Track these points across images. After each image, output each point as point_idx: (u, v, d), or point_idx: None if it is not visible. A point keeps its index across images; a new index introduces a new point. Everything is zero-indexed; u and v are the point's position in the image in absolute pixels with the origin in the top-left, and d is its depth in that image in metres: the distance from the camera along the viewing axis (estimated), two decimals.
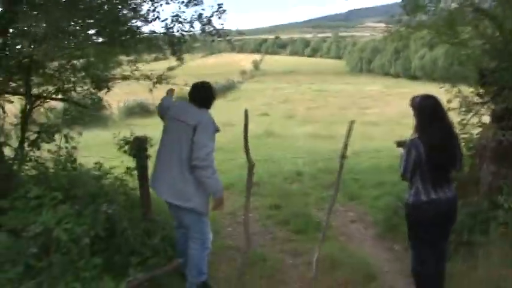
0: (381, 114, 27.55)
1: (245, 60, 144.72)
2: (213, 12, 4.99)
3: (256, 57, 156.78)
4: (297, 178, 8.85)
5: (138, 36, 4.85)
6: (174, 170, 3.88)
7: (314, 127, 19.61)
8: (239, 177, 8.83)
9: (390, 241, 5.52)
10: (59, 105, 6.06)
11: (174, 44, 5.17)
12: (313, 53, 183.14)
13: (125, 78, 5.35)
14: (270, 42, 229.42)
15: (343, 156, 4.40)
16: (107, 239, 3.85)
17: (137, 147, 4.50)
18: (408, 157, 3.66)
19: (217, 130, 4.06)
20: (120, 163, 5.01)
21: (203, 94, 4.19)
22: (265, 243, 5.62)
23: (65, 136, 4.75)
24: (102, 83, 5.04)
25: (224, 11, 5.01)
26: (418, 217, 3.71)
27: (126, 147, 4.54)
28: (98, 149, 9.42)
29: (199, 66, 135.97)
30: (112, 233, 3.90)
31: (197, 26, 5.09)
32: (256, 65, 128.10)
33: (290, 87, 60.59)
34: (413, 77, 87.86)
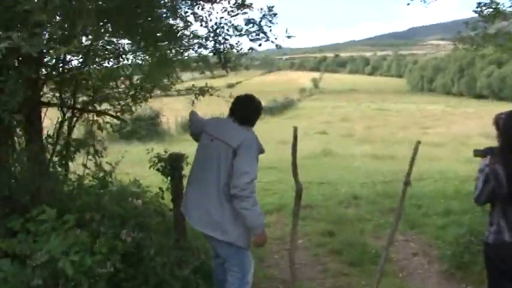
0: (445, 134, 26.20)
1: (304, 78, 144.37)
2: (263, 15, 4.42)
3: (315, 75, 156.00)
4: (353, 202, 8.22)
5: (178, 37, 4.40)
6: (211, 197, 3.40)
7: (373, 147, 18.78)
8: (291, 199, 8.30)
9: (460, 281, 4.80)
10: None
11: (221, 53, 4.68)
12: (373, 71, 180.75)
13: (165, 89, 4.95)
14: (329, 60, 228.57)
15: (407, 183, 3.77)
16: (134, 268, 3.44)
17: (172, 164, 4.06)
18: (484, 187, 3.00)
19: (261, 151, 3.54)
20: (158, 182, 4.61)
21: (247, 109, 3.67)
22: (314, 275, 5.04)
23: (96, 151, 4.41)
24: (140, 95, 4.67)
25: (275, 14, 4.45)
26: (499, 260, 3.06)
27: (160, 165, 4.11)
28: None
29: (257, 84, 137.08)
30: (139, 260, 3.48)
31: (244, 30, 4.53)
32: (315, 83, 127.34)
33: (349, 106, 59.58)
34: (479, 96, 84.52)
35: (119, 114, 4.61)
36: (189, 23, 4.46)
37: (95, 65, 4.41)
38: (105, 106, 4.83)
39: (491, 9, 5.65)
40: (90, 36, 3.69)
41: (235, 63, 4.85)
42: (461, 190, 8.60)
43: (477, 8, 5.78)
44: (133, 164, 9.58)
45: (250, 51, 4.81)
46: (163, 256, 3.48)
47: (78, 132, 4.98)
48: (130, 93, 4.61)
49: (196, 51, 4.83)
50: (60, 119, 4.48)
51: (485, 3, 5.82)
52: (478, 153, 3.18)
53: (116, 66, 4.64)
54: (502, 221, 3.00)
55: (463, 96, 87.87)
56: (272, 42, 4.59)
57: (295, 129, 3.56)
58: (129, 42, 4.51)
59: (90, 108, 4.55)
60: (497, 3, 5.69)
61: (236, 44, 4.71)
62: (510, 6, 5.02)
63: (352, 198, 8.40)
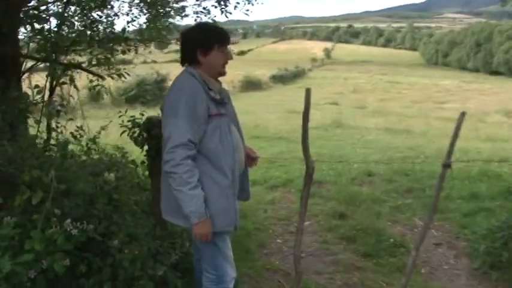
0: (460, 110, 25.02)
1: (316, 48, 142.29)
2: None
3: (328, 45, 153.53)
4: (367, 179, 7.45)
5: None
6: (163, 177, 2.63)
7: (387, 120, 17.88)
8: (300, 172, 7.61)
9: (496, 283, 4.03)
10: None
11: None
12: (387, 43, 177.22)
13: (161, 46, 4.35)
14: (342, 30, 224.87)
15: (446, 165, 2.99)
16: (99, 261, 2.73)
17: (149, 131, 3.23)
18: None
19: (211, 104, 2.58)
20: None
21: (182, 46, 2.72)
22: (322, 268, 4.27)
23: (57, 112, 3.66)
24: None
25: None
26: None
27: (133, 131, 3.29)
28: None
29: (269, 52, 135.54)
30: (106, 250, 2.77)
31: None
32: (327, 53, 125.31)
33: (361, 77, 58.29)
34: (495, 72, 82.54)
35: (95, 69, 3.85)
36: None
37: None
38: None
39: None
40: None
41: None
42: (486, 171, 7.81)
43: None
44: None
45: None
46: (133, 247, 2.75)
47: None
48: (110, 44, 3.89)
49: None
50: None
51: None
52: None
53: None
54: None
55: (478, 72, 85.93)
56: None
57: (308, 92, 2.77)
58: None
59: (61, 61, 3.79)
60: None
61: None
62: None
63: (366, 176, 7.64)
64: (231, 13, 5.20)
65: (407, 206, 6.14)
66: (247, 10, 5.31)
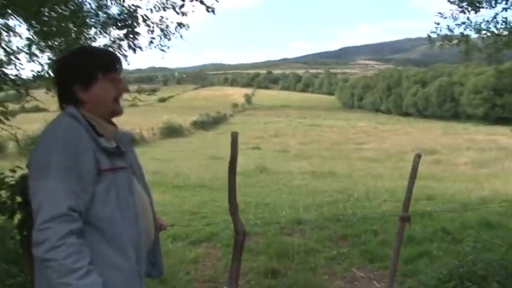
0: (379, 150, 25.84)
1: (237, 94, 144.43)
2: None
3: (248, 91, 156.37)
4: (297, 228, 6.91)
5: None
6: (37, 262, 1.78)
7: (310, 163, 17.77)
8: (225, 224, 6.99)
9: None
10: None
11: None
12: (305, 88, 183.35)
13: None
14: (262, 76, 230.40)
15: (404, 218, 2.50)
16: None
17: (24, 193, 2.38)
18: None
19: (102, 155, 1.79)
20: None
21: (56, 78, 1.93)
22: None
23: None
24: None
25: None
26: None
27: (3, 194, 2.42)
28: None
29: (190, 98, 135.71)
30: None
31: None
32: (248, 98, 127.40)
33: (282, 122, 59.27)
34: (405, 114, 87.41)
35: None
36: None
37: None
38: None
39: None
40: None
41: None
42: (417, 211, 7.57)
43: None
44: None
45: None
46: None
47: None
48: None
49: None
50: None
51: None
52: None
53: None
54: None
55: (391, 114, 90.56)
56: None
57: (234, 137, 2.19)
58: None
59: None
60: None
61: None
62: None
63: (296, 224, 7.11)
64: (140, 48, 4.58)
65: (343, 255, 5.65)
66: (164, 45, 4.71)
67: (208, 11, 3.38)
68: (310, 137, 37.88)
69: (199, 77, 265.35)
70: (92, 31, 4.93)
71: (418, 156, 2.58)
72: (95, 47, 2.57)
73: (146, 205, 2.01)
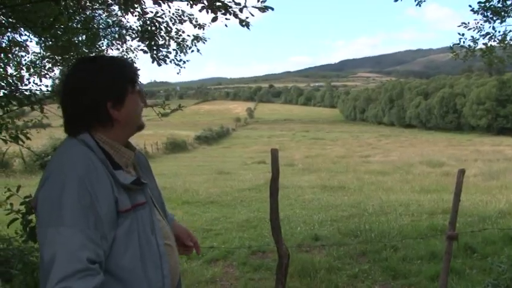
0: (386, 162, 25.56)
1: (239, 108, 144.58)
2: None
3: (251, 105, 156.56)
4: (314, 244, 6.76)
5: None
6: None
7: (318, 176, 17.54)
8: (239, 241, 6.86)
9: None
10: None
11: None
12: (307, 102, 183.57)
13: None
14: (264, 90, 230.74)
15: (452, 237, 2.35)
16: None
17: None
18: None
19: (121, 194, 1.51)
20: None
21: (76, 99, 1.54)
22: None
23: None
24: None
25: None
26: None
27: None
28: None
29: (192, 113, 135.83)
30: None
31: None
32: (250, 112, 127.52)
33: (285, 135, 59.12)
34: (408, 125, 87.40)
35: None
36: None
37: None
38: None
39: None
40: None
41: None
42: (435, 226, 7.42)
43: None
44: None
45: None
46: None
47: None
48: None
49: None
50: None
51: None
52: None
53: None
54: None
55: (393, 126, 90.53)
56: None
57: (275, 154, 2.04)
58: None
59: None
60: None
61: None
62: None
63: (313, 240, 6.96)
64: (165, 61, 4.46)
65: (365, 272, 5.49)
66: (180, 60, 4.59)
67: (242, 26, 3.24)
68: (315, 151, 37.65)
69: (201, 91, 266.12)
70: (105, 43, 4.83)
71: (461, 172, 2.40)
72: (112, 56, 2.34)
73: (170, 241, 1.75)
